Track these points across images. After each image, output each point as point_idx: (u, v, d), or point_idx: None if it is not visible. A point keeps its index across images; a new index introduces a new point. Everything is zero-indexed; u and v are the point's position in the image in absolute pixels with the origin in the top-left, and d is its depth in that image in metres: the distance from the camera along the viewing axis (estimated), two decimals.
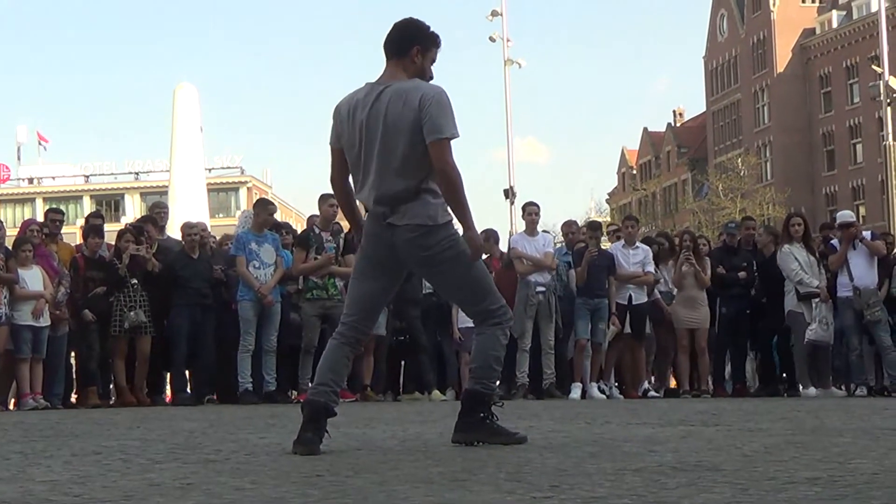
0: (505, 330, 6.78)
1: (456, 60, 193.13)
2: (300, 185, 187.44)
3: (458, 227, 6.63)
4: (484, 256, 8.08)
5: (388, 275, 6.72)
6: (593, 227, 17.47)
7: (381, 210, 6.51)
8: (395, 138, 6.45)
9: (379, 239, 6.59)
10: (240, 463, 5.78)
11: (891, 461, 5.42)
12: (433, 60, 6.83)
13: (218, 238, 17.51)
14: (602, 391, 16.22)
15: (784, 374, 17.34)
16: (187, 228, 15.97)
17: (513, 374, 15.92)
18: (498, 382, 7.08)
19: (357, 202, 6.87)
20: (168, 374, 16.25)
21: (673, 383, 17.58)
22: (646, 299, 16.58)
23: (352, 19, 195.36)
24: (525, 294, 16.08)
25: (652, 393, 16.36)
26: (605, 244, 18.37)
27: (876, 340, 15.83)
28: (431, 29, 6.85)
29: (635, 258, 16.56)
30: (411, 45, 6.71)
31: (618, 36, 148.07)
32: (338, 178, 6.84)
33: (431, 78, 6.76)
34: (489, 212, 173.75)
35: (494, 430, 6.69)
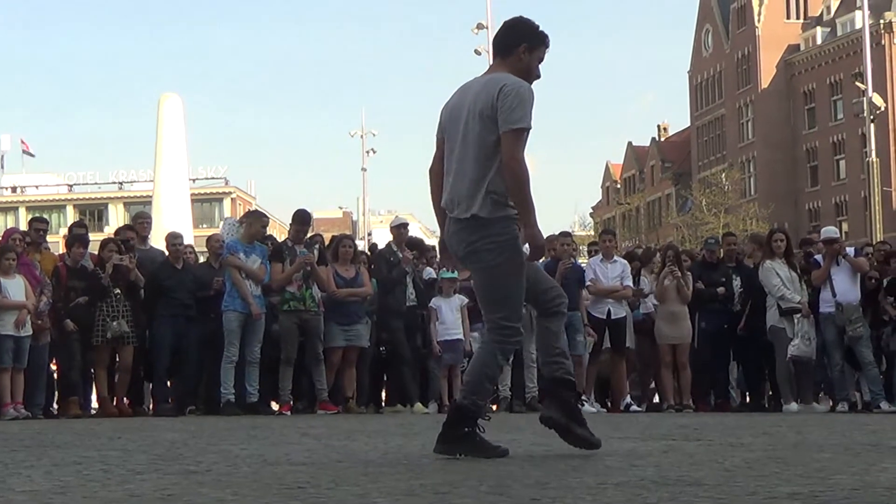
0: (505, 351, 6.78)
1: (441, 73, 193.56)
2: (284, 197, 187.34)
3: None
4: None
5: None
6: (564, 235, 17.42)
7: (447, 200, 6.64)
8: (473, 127, 6.51)
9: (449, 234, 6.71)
10: (221, 474, 5.77)
11: (871, 477, 5.43)
12: (541, 59, 6.79)
13: (197, 250, 17.50)
14: (583, 404, 16.21)
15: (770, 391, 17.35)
16: (172, 239, 15.94)
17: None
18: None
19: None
20: (150, 385, 16.21)
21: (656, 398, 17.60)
22: (624, 313, 16.58)
23: (339, 32, 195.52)
24: None
25: (634, 407, 16.37)
26: (583, 260, 18.42)
27: (858, 357, 15.86)
28: (540, 28, 6.82)
29: (613, 272, 16.55)
30: (518, 43, 6.70)
31: (603, 50, 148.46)
32: (435, 167, 6.88)
33: (538, 77, 6.74)
34: None
35: (477, 445, 6.59)
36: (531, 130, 6.48)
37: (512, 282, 6.61)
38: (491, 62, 6.94)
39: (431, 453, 6.67)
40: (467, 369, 6.88)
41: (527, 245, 6.67)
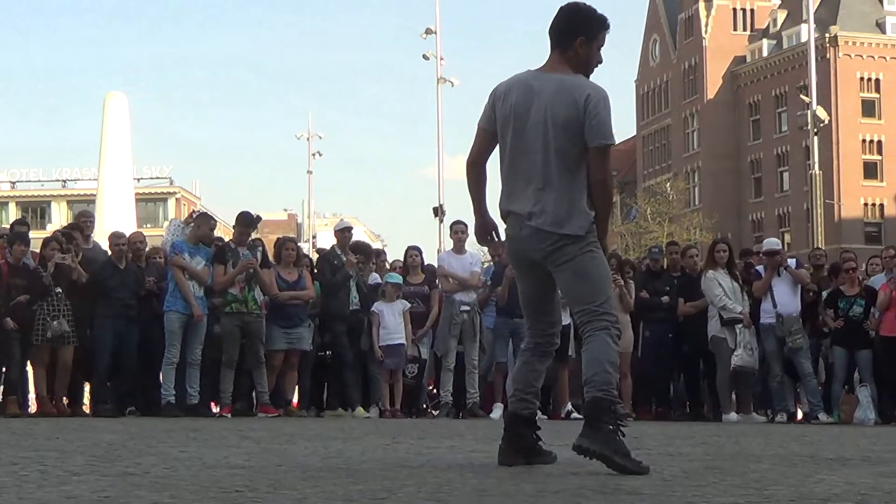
0: (613, 336, 6.36)
1: (389, 77, 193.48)
2: (230, 198, 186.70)
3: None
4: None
5: (535, 274, 6.56)
6: None
7: (528, 211, 6.40)
8: (557, 136, 6.30)
9: (517, 240, 6.52)
10: (159, 477, 5.74)
11: (807, 488, 5.48)
12: (601, 46, 6.55)
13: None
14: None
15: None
16: (115, 238, 15.83)
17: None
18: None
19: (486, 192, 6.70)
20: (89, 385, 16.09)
21: None
22: (568, 321, 16.56)
23: (287, 33, 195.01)
24: (450, 313, 16.10)
25: (575, 415, 16.39)
26: None
27: (797, 367, 15.99)
28: (597, 13, 6.54)
29: None
30: (575, 36, 6.46)
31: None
32: (478, 159, 6.66)
33: (600, 62, 6.55)
34: (418, 229, 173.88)
35: (624, 452, 6.09)
36: None
37: (601, 269, 6.41)
38: (550, 51, 6.57)
39: (371, 459, 6.65)
40: (584, 368, 6.34)
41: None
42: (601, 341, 6.29)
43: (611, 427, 6.12)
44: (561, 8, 6.54)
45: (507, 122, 6.47)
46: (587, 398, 6.24)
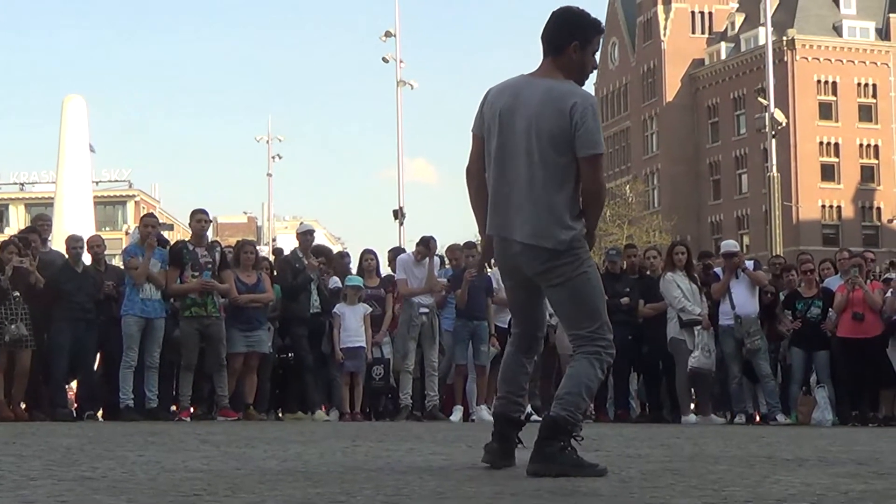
0: (603, 364, 6.33)
1: (348, 80, 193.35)
2: (189, 201, 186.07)
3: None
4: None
5: (524, 285, 6.46)
6: (469, 246, 17.44)
7: (510, 222, 6.27)
8: (542, 148, 6.16)
9: (508, 256, 6.39)
10: (116, 481, 5.71)
11: (763, 489, 5.51)
12: (595, 50, 6.42)
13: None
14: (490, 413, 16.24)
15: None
16: (73, 242, 15.75)
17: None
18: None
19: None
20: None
21: None
22: None
23: (246, 36, 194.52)
24: (408, 315, 16.11)
25: (534, 416, 16.39)
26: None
27: (756, 369, 16.07)
28: (591, 17, 6.43)
29: None
30: (568, 41, 6.31)
31: (510, 60, 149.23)
32: (474, 168, 6.51)
33: (595, 67, 6.45)
34: (378, 232, 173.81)
35: (575, 462, 6.06)
36: None
37: (596, 291, 6.33)
38: (542, 56, 6.45)
39: (329, 463, 6.64)
40: (563, 383, 6.31)
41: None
42: (588, 366, 6.25)
43: (561, 444, 6.08)
44: (553, 12, 6.39)
45: (491, 129, 6.35)
46: (552, 412, 6.20)
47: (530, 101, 6.24)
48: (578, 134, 6.10)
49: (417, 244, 16.83)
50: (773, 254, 28.89)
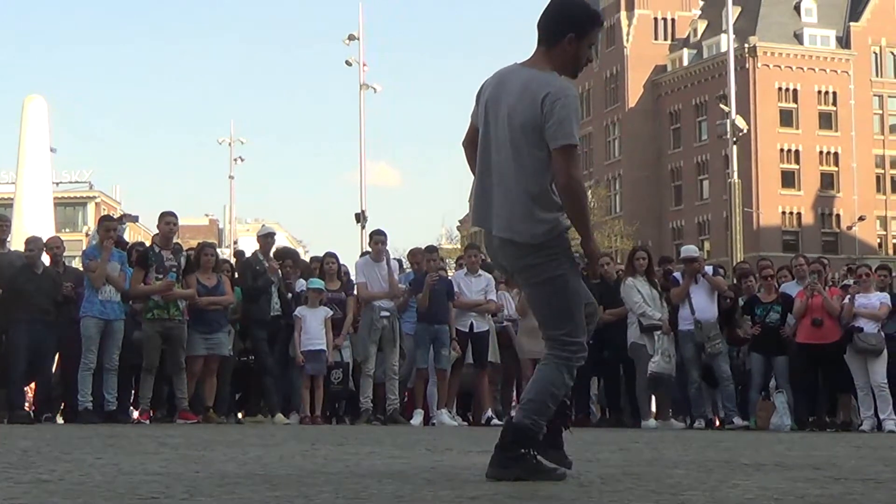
0: (572, 369, 6.20)
1: (311, 83, 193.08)
2: (150, 203, 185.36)
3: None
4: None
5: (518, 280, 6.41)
6: (431, 250, 17.43)
7: (487, 213, 6.19)
8: (515, 140, 6.03)
9: (490, 250, 6.34)
10: (73, 484, 5.68)
11: (721, 493, 5.53)
12: (592, 43, 6.23)
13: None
14: (451, 417, 16.26)
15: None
16: (31, 243, 15.67)
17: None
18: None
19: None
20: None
21: None
22: (487, 327, 16.65)
23: (209, 38, 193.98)
24: (369, 318, 16.09)
25: (495, 421, 16.43)
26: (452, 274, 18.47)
27: (716, 372, 16.13)
28: (591, 9, 6.24)
29: (477, 286, 16.61)
30: (564, 32, 6.11)
31: (473, 64, 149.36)
32: (468, 140, 6.41)
33: (590, 60, 6.30)
34: (340, 235, 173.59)
35: (534, 468, 5.98)
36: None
37: (571, 294, 6.13)
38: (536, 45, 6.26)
39: (290, 465, 6.63)
40: (528, 387, 6.21)
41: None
42: (555, 371, 6.12)
43: (522, 450, 5.98)
44: (552, 1, 6.22)
45: (480, 118, 6.25)
46: (515, 419, 6.11)
47: (511, 91, 6.10)
48: (548, 125, 5.90)
49: (370, 241, 16.96)
50: (735, 260, 29.02)
